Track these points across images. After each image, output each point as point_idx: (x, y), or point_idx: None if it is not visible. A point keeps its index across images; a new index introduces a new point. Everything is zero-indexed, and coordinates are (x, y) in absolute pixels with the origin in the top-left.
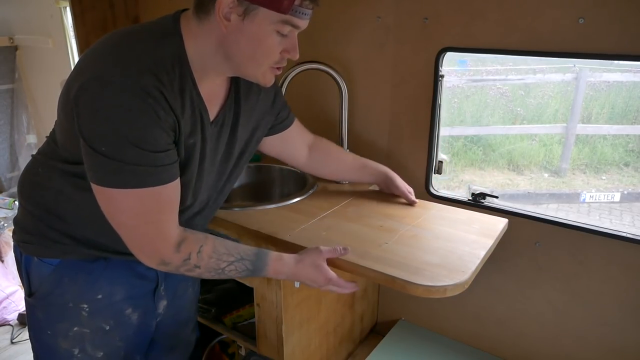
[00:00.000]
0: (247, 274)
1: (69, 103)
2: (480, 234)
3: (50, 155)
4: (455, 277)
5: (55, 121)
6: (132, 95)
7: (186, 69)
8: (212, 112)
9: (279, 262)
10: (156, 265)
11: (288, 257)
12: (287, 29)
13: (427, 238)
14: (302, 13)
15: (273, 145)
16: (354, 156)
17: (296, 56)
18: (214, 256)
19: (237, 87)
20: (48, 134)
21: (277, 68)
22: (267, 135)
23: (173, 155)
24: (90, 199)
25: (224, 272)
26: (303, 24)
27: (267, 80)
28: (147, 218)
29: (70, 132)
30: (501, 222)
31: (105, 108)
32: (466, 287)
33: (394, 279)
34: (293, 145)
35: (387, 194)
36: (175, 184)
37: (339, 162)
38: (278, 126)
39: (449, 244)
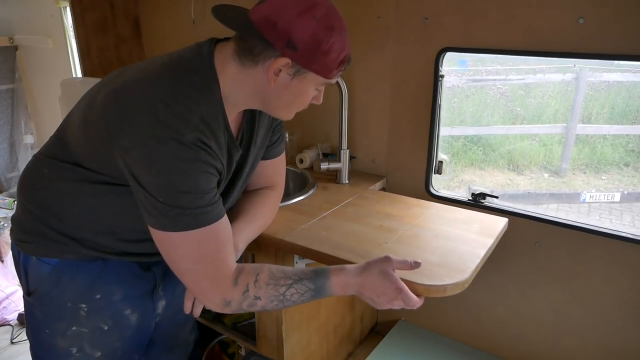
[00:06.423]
0: (311, 294)
1: (111, 142)
2: (480, 234)
3: (59, 157)
4: (455, 276)
5: (64, 124)
6: (186, 150)
7: (221, 111)
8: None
9: (341, 274)
10: (221, 307)
11: (351, 267)
12: (323, 87)
13: (426, 237)
14: (339, 75)
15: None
16: (252, 214)
17: (320, 102)
18: (271, 282)
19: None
20: (53, 133)
21: None
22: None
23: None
24: (98, 203)
25: (285, 297)
26: (334, 81)
27: (289, 117)
28: (208, 259)
29: (99, 152)
30: (501, 222)
31: (160, 162)
32: (466, 286)
33: None
34: (257, 175)
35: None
36: (226, 218)
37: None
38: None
39: (448, 243)
